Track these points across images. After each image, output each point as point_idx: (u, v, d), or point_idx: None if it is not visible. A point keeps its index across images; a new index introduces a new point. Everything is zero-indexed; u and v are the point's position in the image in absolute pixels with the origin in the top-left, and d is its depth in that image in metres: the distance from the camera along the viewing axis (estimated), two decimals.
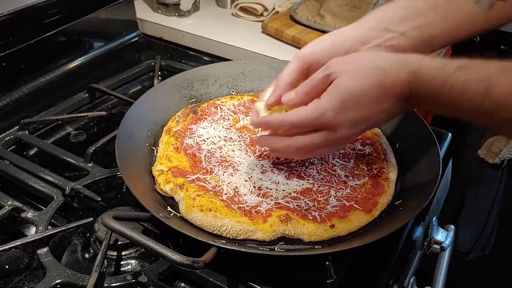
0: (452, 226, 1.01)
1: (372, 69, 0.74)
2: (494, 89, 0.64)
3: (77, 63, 1.34)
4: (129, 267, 0.83)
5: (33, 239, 0.81)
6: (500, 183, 1.87)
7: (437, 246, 0.97)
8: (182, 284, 0.79)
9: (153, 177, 0.91)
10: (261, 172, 0.91)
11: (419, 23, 0.85)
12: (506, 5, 0.88)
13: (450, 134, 1.10)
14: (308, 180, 0.89)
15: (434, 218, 0.99)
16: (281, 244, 0.80)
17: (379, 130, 1.02)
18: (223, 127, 1.02)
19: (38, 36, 1.22)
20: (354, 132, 0.78)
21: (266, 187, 0.87)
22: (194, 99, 1.13)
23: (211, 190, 0.85)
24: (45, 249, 0.82)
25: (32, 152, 1.10)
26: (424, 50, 0.85)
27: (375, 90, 0.73)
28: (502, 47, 1.91)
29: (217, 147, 0.97)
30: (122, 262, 0.83)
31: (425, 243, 0.98)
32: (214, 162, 0.93)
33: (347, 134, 0.77)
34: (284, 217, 0.79)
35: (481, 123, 0.71)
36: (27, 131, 1.11)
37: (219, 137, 1.00)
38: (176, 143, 0.96)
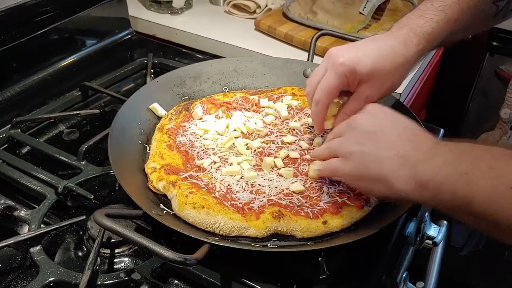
0: (445, 222, 1.01)
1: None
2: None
3: (69, 61, 1.34)
4: (122, 264, 0.83)
5: (26, 237, 0.81)
6: None
7: (430, 242, 0.97)
8: (176, 281, 0.79)
9: (146, 174, 0.91)
10: (254, 169, 0.91)
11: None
12: None
13: (442, 130, 1.11)
14: (301, 178, 0.90)
15: (426, 214, 0.99)
16: (274, 241, 0.80)
17: None
18: (215, 124, 1.02)
19: (30, 34, 1.22)
20: (358, 142, 0.76)
21: (259, 184, 0.87)
22: (187, 97, 1.13)
23: (204, 187, 0.85)
24: (38, 248, 0.82)
25: (24, 150, 1.09)
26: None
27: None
28: (493, 43, 1.92)
29: (210, 144, 0.97)
30: (115, 260, 0.83)
31: (418, 239, 0.98)
32: (207, 159, 0.93)
33: (352, 141, 0.77)
34: (276, 214, 0.80)
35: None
36: (19, 130, 1.11)
37: (212, 134, 1.00)
38: (169, 141, 0.96)
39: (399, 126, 0.75)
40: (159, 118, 1.05)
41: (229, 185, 0.87)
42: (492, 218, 0.58)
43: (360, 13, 1.53)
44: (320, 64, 0.88)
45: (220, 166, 0.91)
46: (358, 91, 0.86)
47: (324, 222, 0.80)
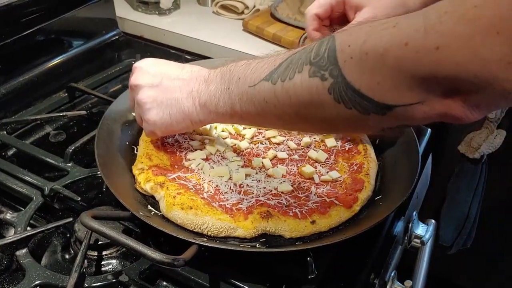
0: (433, 221, 1.02)
1: None
2: None
3: (55, 62, 1.32)
4: (110, 266, 0.82)
5: (11, 240, 0.80)
6: (480, 177, 1.89)
7: (418, 241, 0.98)
8: (164, 283, 0.79)
9: (134, 176, 0.90)
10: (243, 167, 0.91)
11: None
12: None
13: (429, 129, 1.11)
14: (289, 178, 0.90)
15: (414, 213, 1.00)
16: (262, 241, 0.80)
17: None
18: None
19: (15, 35, 1.20)
20: (152, 95, 0.83)
21: (247, 185, 0.87)
22: None
23: (192, 188, 0.85)
24: (24, 250, 0.81)
25: (10, 152, 1.08)
26: None
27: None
28: None
29: (198, 145, 0.97)
30: (103, 262, 0.82)
31: (406, 238, 0.99)
32: (195, 160, 0.93)
33: (145, 96, 0.84)
34: (265, 214, 0.79)
35: None
36: (5, 132, 1.10)
37: (200, 135, 1.00)
38: (157, 142, 0.96)
39: (176, 68, 0.85)
40: None
41: (217, 186, 0.87)
42: (249, 116, 0.73)
43: None
44: None
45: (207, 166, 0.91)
46: (356, 17, 0.94)
47: (313, 222, 0.80)
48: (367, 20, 0.58)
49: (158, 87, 0.83)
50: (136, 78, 0.86)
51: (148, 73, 0.85)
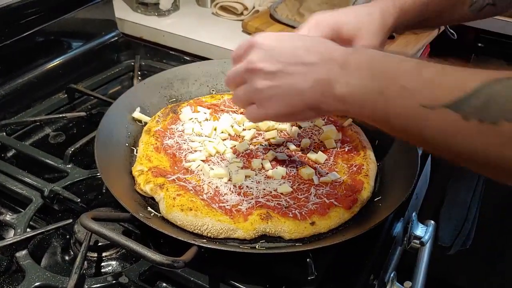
0: (432, 222, 1.02)
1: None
2: None
3: (55, 64, 1.32)
4: (109, 268, 0.82)
5: (11, 241, 0.80)
6: (479, 178, 1.90)
7: (417, 241, 0.98)
8: (164, 284, 0.79)
9: (133, 177, 0.90)
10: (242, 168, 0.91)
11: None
12: (494, 8, 0.92)
13: None
14: (289, 179, 0.90)
15: (413, 214, 1.00)
16: (262, 242, 0.80)
17: (359, 127, 1.03)
18: (202, 127, 1.02)
19: (15, 36, 1.20)
20: (271, 85, 0.71)
21: (247, 186, 0.87)
22: (174, 99, 1.12)
23: (192, 190, 0.85)
24: (24, 252, 0.81)
25: (10, 154, 1.08)
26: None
27: (301, 44, 0.72)
28: (479, 44, 1.94)
29: (198, 147, 0.97)
30: (102, 264, 0.82)
31: (405, 239, 0.99)
32: (194, 162, 0.93)
33: (264, 86, 0.72)
34: (264, 215, 0.80)
35: None
36: (4, 133, 1.10)
37: (200, 136, 1.00)
38: (156, 143, 0.96)
39: (301, 50, 0.71)
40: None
41: (217, 187, 0.87)
42: (405, 134, 0.62)
43: None
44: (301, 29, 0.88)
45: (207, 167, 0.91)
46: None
47: (312, 223, 0.80)
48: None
49: (278, 74, 0.71)
50: (254, 59, 0.73)
51: (269, 55, 0.72)
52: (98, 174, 0.94)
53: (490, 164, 0.53)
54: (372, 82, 0.62)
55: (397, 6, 0.88)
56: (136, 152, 0.97)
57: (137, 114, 1.03)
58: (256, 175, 0.90)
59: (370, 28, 0.86)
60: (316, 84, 0.68)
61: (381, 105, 0.61)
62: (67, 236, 0.87)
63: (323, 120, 1.04)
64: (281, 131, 1.02)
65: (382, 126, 0.65)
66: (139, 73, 1.34)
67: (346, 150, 0.97)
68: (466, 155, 0.55)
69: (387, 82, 0.61)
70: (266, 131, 1.02)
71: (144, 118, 1.04)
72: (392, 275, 0.89)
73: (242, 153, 0.96)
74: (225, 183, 0.88)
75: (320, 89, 0.68)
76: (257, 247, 0.79)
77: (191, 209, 0.79)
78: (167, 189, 0.84)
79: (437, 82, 0.56)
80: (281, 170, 0.91)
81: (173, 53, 1.49)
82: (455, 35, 1.58)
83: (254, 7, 1.67)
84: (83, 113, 1.17)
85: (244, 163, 0.94)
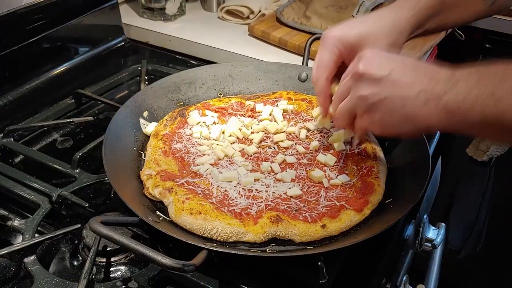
0: (443, 224, 1.01)
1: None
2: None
3: (62, 69, 1.33)
4: (118, 273, 0.81)
5: (20, 247, 0.80)
6: (488, 180, 1.88)
7: (429, 244, 0.97)
8: None
9: (142, 181, 0.89)
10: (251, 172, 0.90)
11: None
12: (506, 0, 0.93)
13: (438, 132, 1.10)
14: (299, 182, 0.89)
15: (425, 216, 0.99)
16: (272, 246, 0.79)
17: None
18: (210, 130, 1.02)
19: (22, 42, 1.21)
20: (375, 92, 0.72)
21: (256, 189, 0.86)
22: (182, 103, 1.12)
23: (201, 193, 0.84)
24: (32, 257, 0.80)
25: (17, 159, 1.08)
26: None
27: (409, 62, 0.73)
28: (487, 45, 1.93)
29: (206, 150, 0.96)
30: (111, 269, 0.82)
31: (417, 242, 0.97)
32: (203, 166, 0.92)
33: (367, 93, 0.73)
34: (274, 218, 0.79)
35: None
36: (12, 139, 1.10)
37: (208, 140, 0.99)
38: (164, 147, 0.95)
39: (408, 64, 0.73)
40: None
41: (226, 190, 0.86)
42: None
43: (353, 17, 1.53)
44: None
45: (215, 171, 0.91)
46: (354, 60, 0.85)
47: (323, 226, 0.79)
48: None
49: (384, 81, 0.71)
50: (364, 65, 0.74)
51: (378, 62, 0.73)
52: (106, 178, 0.93)
53: None
54: (480, 84, 0.63)
55: (412, 2, 0.87)
56: (144, 156, 0.96)
57: (148, 129, 1.03)
58: (265, 178, 0.90)
59: (381, 30, 0.86)
60: (421, 94, 0.68)
61: (491, 107, 0.61)
62: (76, 241, 0.86)
63: (332, 122, 1.03)
64: (290, 134, 1.02)
65: (488, 130, 0.65)
66: (146, 77, 1.34)
67: (356, 152, 0.96)
68: None
69: (497, 82, 0.62)
70: (275, 133, 1.01)
71: (148, 127, 1.03)
72: (404, 278, 0.87)
73: (251, 156, 0.96)
74: (234, 186, 0.87)
75: (423, 99, 0.68)
76: (267, 250, 0.78)
77: (200, 213, 0.79)
78: (176, 193, 0.83)
79: None
80: (290, 172, 0.90)
81: (180, 57, 1.49)
82: (463, 36, 1.57)
83: (260, 11, 1.67)
84: (90, 118, 1.17)
85: (253, 166, 0.93)
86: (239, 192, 0.86)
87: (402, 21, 0.86)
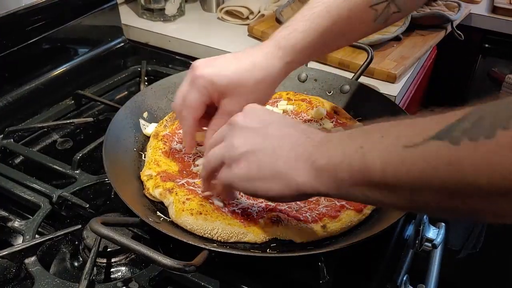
0: (443, 224, 1.01)
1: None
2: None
3: (62, 70, 1.33)
4: (119, 274, 0.81)
5: (20, 248, 0.80)
6: None
7: (429, 244, 0.97)
8: None
9: (142, 182, 0.90)
10: None
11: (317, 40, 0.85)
12: (400, 13, 0.90)
13: None
14: None
15: (425, 216, 0.99)
16: (273, 246, 0.79)
17: None
18: None
19: (21, 43, 1.20)
20: (249, 141, 0.68)
21: None
22: None
23: (201, 194, 0.84)
24: (32, 258, 0.80)
25: (17, 160, 1.08)
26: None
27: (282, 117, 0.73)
28: (486, 45, 1.93)
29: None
30: (112, 269, 0.82)
31: (417, 241, 0.97)
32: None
33: (241, 141, 0.69)
34: (275, 218, 0.79)
35: None
36: (12, 140, 1.10)
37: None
38: (164, 148, 0.95)
39: (288, 121, 0.71)
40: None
41: None
42: (392, 185, 0.54)
43: None
44: (185, 76, 0.86)
45: None
46: (221, 105, 0.83)
47: (323, 226, 0.79)
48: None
49: (262, 133, 0.68)
50: (244, 117, 0.72)
51: (258, 116, 0.71)
52: (106, 179, 0.93)
53: (494, 190, 0.45)
54: (349, 142, 0.59)
55: (287, 47, 0.83)
56: (144, 157, 0.96)
57: (148, 130, 1.03)
58: None
59: (254, 80, 0.83)
60: (293, 149, 0.65)
61: (360, 161, 0.56)
62: (76, 242, 0.86)
63: (332, 122, 1.03)
64: None
65: (358, 189, 0.58)
66: (145, 78, 1.34)
67: None
68: (463, 189, 0.47)
69: (364, 136, 0.58)
70: None
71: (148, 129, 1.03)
72: (404, 278, 0.87)
73: None
74: None
75: (295, 155, 0.64)
76: (268, 250, 0.78)
77: (200, 213, 0.79)
78: (176, 193, 0.83)
79: (418, 123, 0.53)
80: None
81: (179, 58, 1.48)
82: (462, 36, 1.57)
83: (259, 11, 1.67)
84: (90, 119, 1.17)
85: None
86: (239, 192, 0.86)
87: (275, 70, 0.84)
